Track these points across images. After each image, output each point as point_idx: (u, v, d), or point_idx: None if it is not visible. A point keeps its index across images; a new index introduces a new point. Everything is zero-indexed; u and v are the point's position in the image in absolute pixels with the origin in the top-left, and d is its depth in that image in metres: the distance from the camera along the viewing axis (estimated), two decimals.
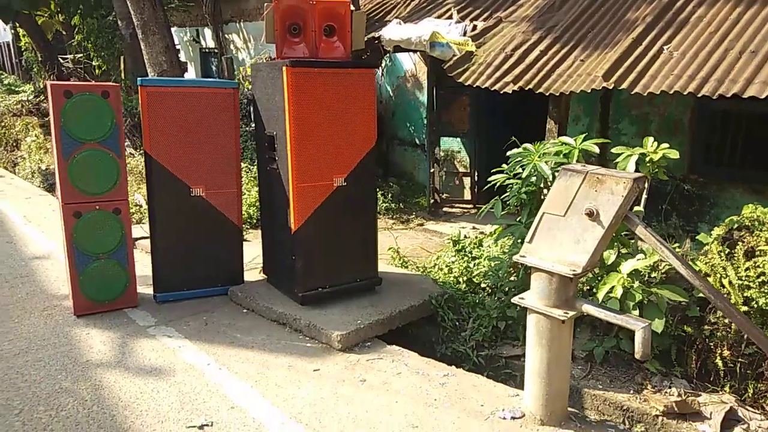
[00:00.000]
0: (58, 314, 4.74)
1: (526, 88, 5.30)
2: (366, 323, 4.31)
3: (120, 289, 4.77)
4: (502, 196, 4.83)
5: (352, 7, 4.40)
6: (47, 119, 14.44)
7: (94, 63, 14.62)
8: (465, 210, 8.51)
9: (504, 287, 4.80)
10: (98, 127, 4.43)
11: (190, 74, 14.98)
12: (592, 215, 2.80)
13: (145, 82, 4.60)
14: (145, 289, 5.11)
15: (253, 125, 5.46)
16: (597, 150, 4.30)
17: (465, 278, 5.34)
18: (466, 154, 8.64)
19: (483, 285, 5.29)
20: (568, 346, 3.25)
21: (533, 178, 4.35)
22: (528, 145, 4.65)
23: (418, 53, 8.68)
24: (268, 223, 5.05)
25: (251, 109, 5.95)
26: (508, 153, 4.77)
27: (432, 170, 8.41)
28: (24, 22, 14.51)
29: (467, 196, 8.68)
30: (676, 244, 4.92)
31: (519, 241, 4.47)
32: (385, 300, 4.72)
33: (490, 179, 4.92)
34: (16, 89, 15.31)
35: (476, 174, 8.54)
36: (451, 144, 8.79)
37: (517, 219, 4.90)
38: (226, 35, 13.68)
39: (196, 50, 15.08)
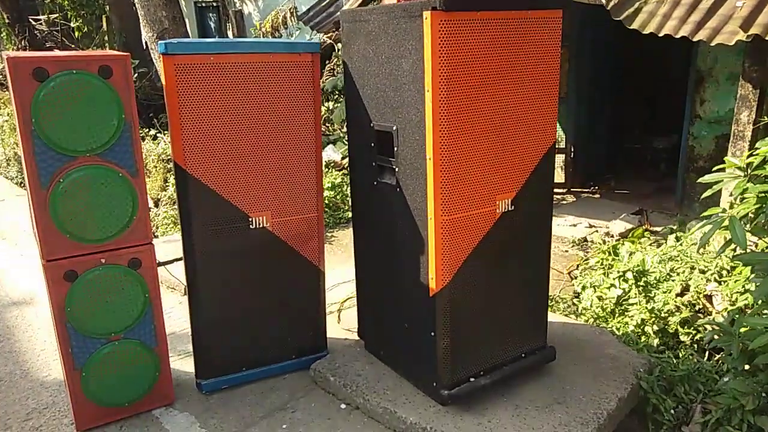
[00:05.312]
0: (50, 428, 2.98)
1: (767, 38, 3.44)
2: None
3: (147, 382, 3.00)
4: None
5: None
6: None
7: (72, 24, 12.43)
8: (559, 197, 6.71)
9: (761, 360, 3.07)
10: (97, 128, 2.55)
11: None
12: None
13: (172, 47, 2.69)
14: (182, 364, 3.36)
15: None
16: None
17: (655, 328, 3.61)
18: (558, 125, 6.81)
19: (682, 337, 3.57)
20: None
21: None
22: None
23: None
24: (373, 270, 3.22)
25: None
26: (759, 144, 2.98)
27: None
28: None
29: (560, 178, 6.87)
30: None
31: None
32: (571, 388, 2.96)
33: (704, 179, 3.12)
34: None
35: (572, 151, 6.73)
36: None
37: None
38: None
39: (190, 4, 12.92)
